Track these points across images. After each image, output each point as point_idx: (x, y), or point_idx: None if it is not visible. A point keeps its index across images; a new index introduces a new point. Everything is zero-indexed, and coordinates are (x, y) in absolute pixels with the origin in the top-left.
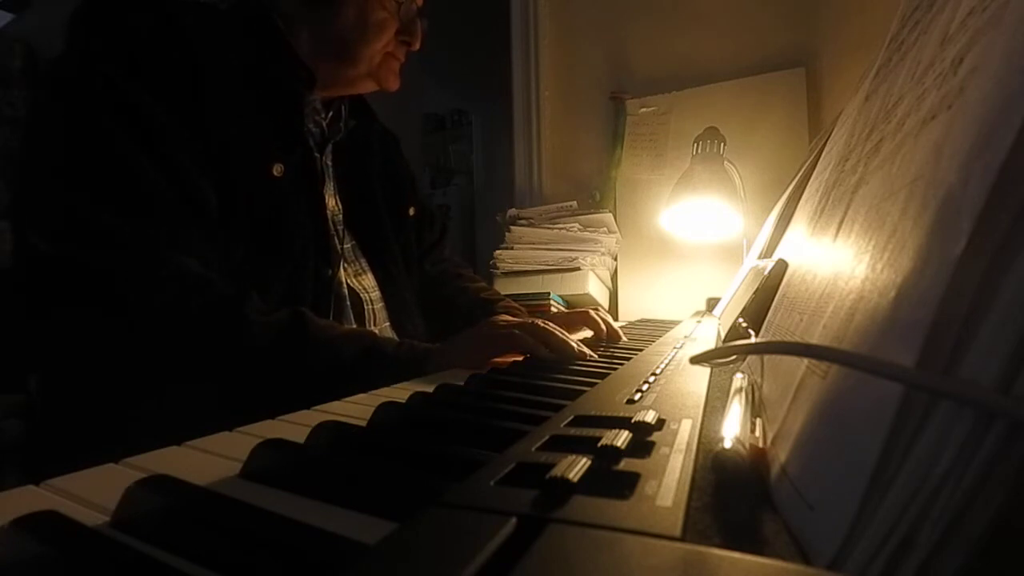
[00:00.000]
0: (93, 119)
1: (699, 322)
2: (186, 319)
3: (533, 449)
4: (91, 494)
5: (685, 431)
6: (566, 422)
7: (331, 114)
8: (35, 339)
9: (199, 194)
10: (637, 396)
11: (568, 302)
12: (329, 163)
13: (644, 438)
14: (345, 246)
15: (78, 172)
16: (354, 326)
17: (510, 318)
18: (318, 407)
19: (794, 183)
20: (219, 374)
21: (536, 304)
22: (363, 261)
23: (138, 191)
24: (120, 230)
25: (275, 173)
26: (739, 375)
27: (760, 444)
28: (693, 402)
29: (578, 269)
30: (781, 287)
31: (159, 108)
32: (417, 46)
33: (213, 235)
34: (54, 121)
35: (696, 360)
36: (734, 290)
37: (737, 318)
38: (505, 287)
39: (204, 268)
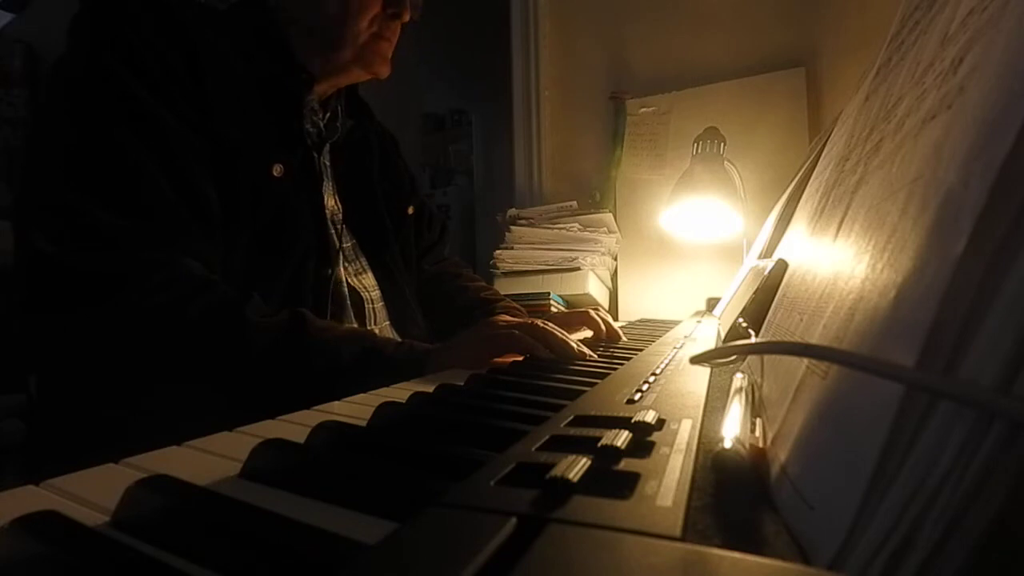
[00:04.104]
0: (97, 120)
1: (699, 322)
2: (188, 320)
3: (533, 449)
4: (91, 494)
5: (685, 431)
6: (566, 422)
7: (328, 115)
8: (36, 339)
9: (202, 195)
10: (637, 396)
11: (568, 302)
12: (327, 163)
13: (644, 438)
14: (345, 245)
15: (82, 173)
16: (354, 326)
17: (509, 318)
18: (318, 407)
19: (794, 183)
20: (220, 375)
21: (536, 304)
22: (363, 260)
23: (142, 192)
24: (123, 231)
25: (275, 173)
26: (739, 375)
27: (760, 444)
28: (693, 402)
29: (578, 269)
30: (781, 287)
31: (163, 110)
32: (407, 17)
33: (215, 236)
34: (58, 122)
35: (696, 360)
36: (734, 290)
37: (737, 318)
38: (505, 287)
39: (206, 270)
